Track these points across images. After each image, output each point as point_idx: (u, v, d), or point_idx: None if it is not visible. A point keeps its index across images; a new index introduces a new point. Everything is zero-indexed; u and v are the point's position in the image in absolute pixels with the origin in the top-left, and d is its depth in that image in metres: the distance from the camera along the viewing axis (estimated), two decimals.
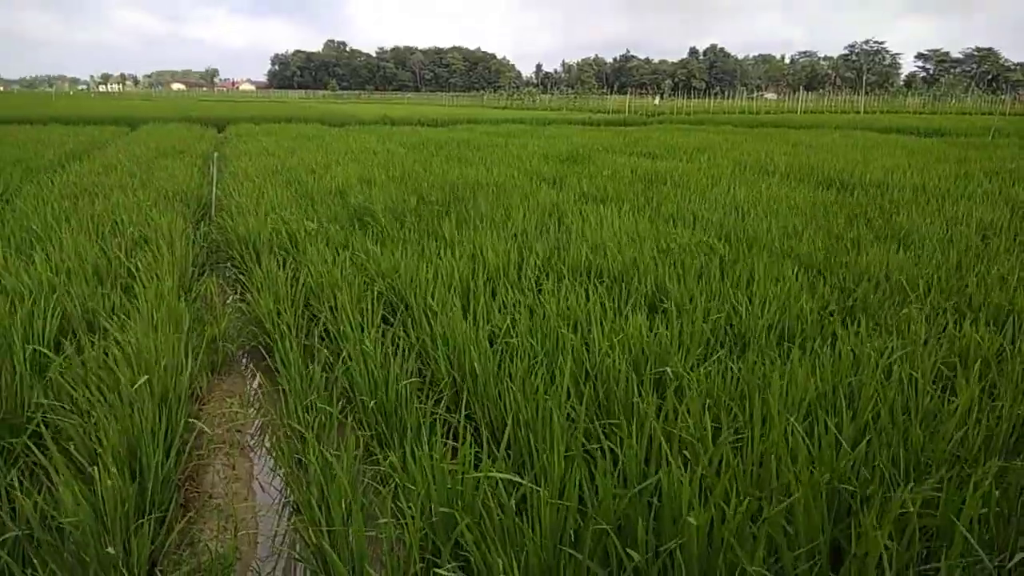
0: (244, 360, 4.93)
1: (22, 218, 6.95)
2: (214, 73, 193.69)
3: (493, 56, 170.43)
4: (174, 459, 3.20)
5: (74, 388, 3.44)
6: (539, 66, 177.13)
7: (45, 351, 3.85)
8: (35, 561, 2.32)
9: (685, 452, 2.84)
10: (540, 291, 4.85)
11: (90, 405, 3.16)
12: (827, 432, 2.78)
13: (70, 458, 2.75)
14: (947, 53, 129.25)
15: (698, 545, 2.26)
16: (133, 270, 5.31)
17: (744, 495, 2.47)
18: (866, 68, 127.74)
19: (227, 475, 3.53)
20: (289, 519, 3.18)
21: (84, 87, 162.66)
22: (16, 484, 2.66)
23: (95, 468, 2.60)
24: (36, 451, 2.89)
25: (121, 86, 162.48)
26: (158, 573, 2.63)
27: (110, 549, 2.26)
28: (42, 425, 3.17)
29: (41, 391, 3.50)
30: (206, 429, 3.87)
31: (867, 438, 2.84)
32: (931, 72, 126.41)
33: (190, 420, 3.75)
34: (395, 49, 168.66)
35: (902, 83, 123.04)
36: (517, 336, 4.03)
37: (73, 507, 2.42)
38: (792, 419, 2.86)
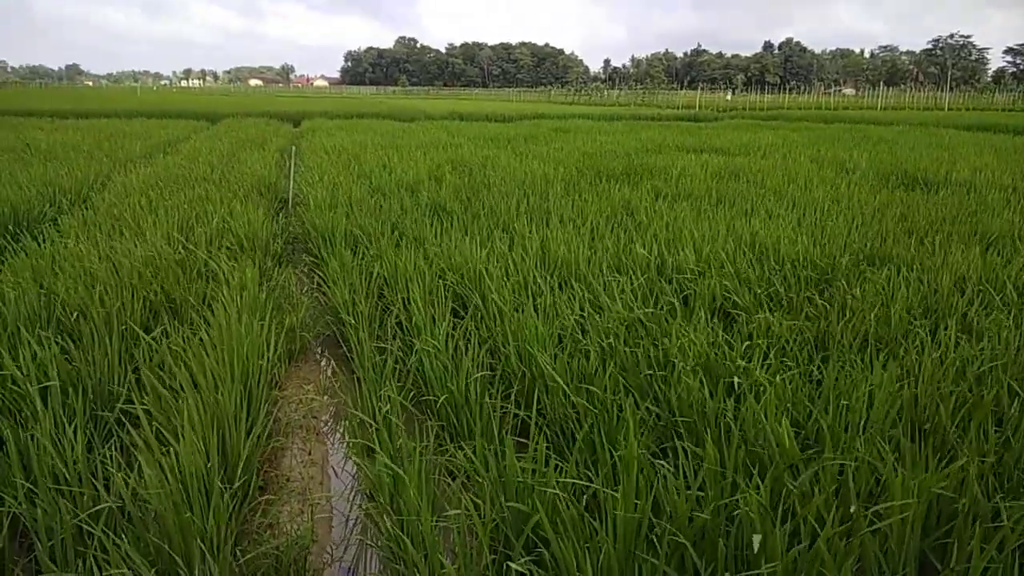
0: (320, 348, 5.05)
1: (111, 207, 7.28)
2: (290, 69, 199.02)
3: (561, 51, 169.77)
4: (254, 442, 3.30)
5: (161, 370, 3.60)
6: (607, 61, 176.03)
7: (141, 331, 4.03)
8: (125, 534, 2.43)
9: (761, 460, 2.77)
10: (606, 287, 4.81)
11: (179, 386, 3.29)
12: (916, 443, 2.67)
13: (159, 436, 2.86)
14: None
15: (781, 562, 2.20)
16: (216, 259, 5.51)
17: (829, 509, 2.40)
18: (951, 63, 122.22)
19: (303, 459, 3.62)
20: (361, 505, 3.24)
21: (166, 82, 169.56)
22: (109, 459, 2.80)
23: (181, 446, 2.71)
24: (130, 429, 3.03)
25: (201, 82, 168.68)
26: (238, 552, 2.72)
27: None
28: (139, 402, 3.31)
29: (131, 372, 3.68)
30: (283, 415, 3.99)
31: (952, 451, 2.72)
32: (1021, 67, 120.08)
33: (269, 405, 3.87)
34: (464, 45, 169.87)
35: (990, 79, 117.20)
36: (587, 332, 4.01)
37: (157, 482, 2.52)
38: (877, 429, 2.76)
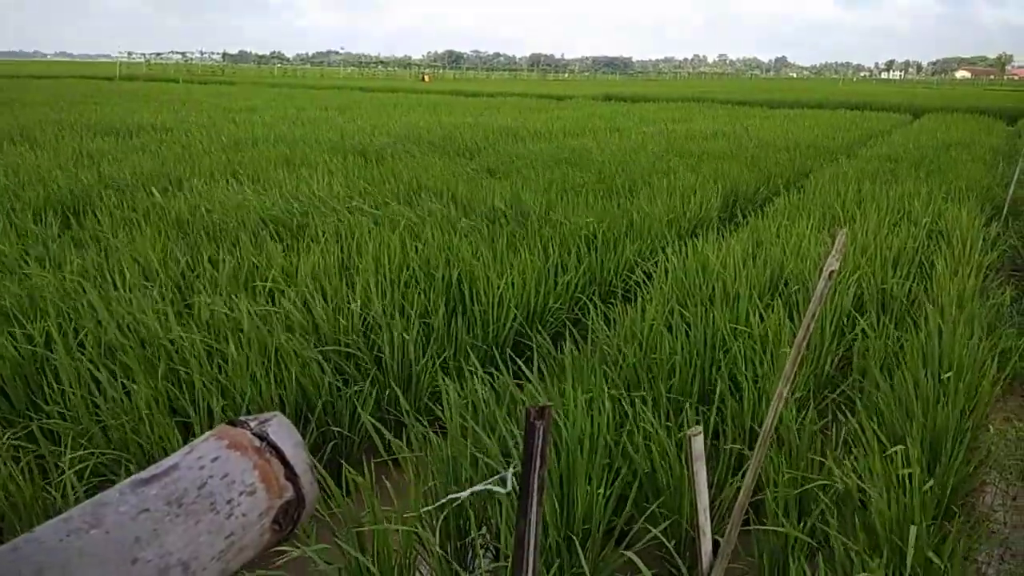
0: None
1: (818, 194, 7.64)
2: (1007, 59, 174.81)
3: None
4: (957, 467, 3.07)
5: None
6: None
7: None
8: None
9: None
10: None
11: (898, 388, 3.27)
12: None
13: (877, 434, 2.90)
14: None
15: None
16: (926, 261, 5.29)
17: None
18: None
19: (1006, 503, 3.23)
20: None
21: (865, 74, 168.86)
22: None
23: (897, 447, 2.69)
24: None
25: (903, 74, 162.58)
26: None
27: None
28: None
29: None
30: (982, 446, 3.61)
31: None
32: None
33: (972, 432, 3.55)
34: None
35: None
36: None
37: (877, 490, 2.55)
38: None
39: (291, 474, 0.56)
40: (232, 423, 0.56)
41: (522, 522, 0.97)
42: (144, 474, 0.51)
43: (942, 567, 2.28)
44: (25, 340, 3.39)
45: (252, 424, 0.57)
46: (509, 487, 1.12)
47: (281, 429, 0.57)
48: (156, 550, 0.46)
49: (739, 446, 2.95)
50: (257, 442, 0.55)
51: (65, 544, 0.44)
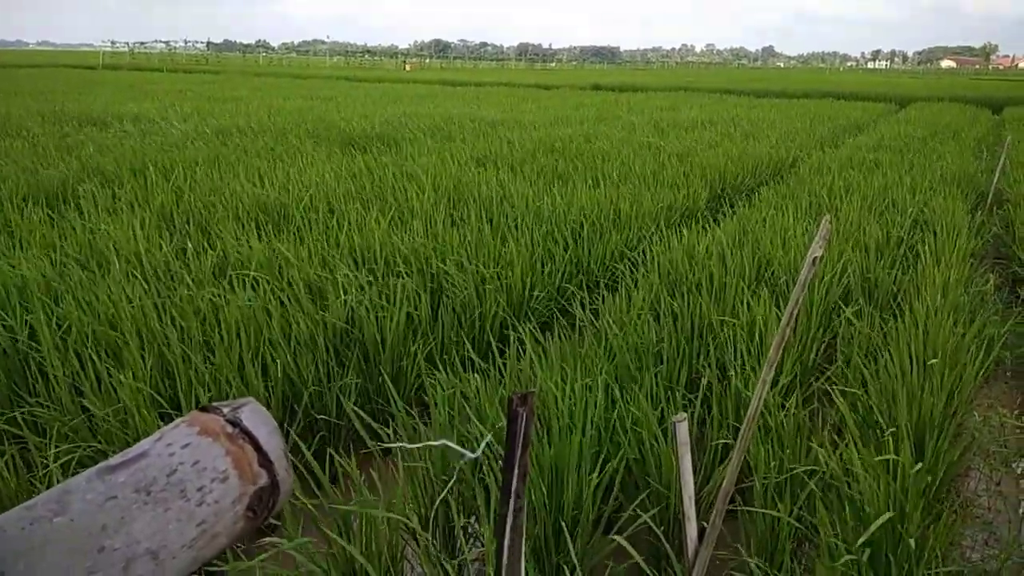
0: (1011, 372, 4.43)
1: (805, 184, 7.66)
2: (992, 49, 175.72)
3: None
4: (943, 454, 3.10)
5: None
6: None
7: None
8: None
9: None
10: None
11: (884, 376, 3.28)
12: None
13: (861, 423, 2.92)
14: None
15: None
16: (911, 250, 5.31)
17: None
18: None
19: (989, 488, 3.26)
20: None
21: (852, 64, 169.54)
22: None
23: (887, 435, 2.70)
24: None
25: (888, 63, 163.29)
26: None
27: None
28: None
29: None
30: (965, 432, 3.64)
31: None
32: None
33: (958, 419, 3.58)
34: None
35: None
36: None
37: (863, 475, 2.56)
38: None
39: (265, 460, 0.55)
40: (204, 409, 0.55)
41: (505, 508, 0.97)
42: (112, 461, 0.50)
43: (934, 550, 2.30)
44: (8, 331, 3.35)
45: (225, 410, 0.55)
46: (479, 453, 1.11)
47: (255, 415, 0.56)
48: (123, 538, 0.45)
49: (726, 433, 2.96)
50: (230, 428, 0.54)
51: (28, 533, 0.43)
